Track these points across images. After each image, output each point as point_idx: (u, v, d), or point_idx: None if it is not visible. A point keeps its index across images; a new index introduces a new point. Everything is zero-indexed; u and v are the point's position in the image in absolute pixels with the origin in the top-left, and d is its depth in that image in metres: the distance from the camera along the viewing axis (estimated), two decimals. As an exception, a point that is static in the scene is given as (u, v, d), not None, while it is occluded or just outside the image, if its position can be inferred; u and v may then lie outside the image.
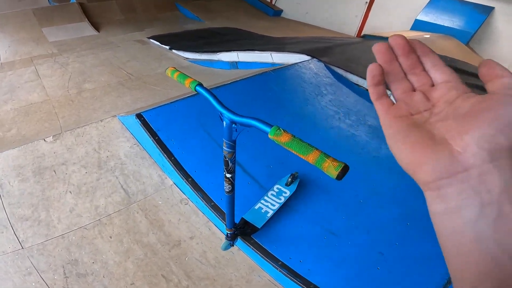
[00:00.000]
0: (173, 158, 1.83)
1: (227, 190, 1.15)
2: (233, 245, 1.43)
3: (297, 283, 1.31)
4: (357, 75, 3.11)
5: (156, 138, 1.90)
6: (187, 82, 1.01)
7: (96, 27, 5.74)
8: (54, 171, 1.93)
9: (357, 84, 3.10)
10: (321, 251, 1.44)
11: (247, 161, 1.88)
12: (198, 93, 2.42)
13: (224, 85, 2.38)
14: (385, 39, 4.17)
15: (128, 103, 3.10)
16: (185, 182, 1.74)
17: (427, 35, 6.23)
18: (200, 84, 0.98)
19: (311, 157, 0.64)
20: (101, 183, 1.87)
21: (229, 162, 1.03)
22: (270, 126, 0.74)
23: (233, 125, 0.88)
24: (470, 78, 3.69)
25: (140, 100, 3.16)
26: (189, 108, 2.18)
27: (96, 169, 1.94)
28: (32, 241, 1.60)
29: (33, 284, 1.43)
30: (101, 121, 2.30)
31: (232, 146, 0.97)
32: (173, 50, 4.90)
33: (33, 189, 1.82)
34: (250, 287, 1.48)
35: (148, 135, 1.91)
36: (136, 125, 2.02)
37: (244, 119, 0.83)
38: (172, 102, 2.19)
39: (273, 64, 3.60)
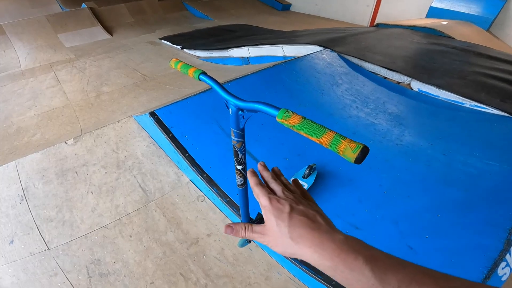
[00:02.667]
0: (187, 154, 1.78)
1: (239, 183, 1.08)
2: (250, 242, 1.37)
3: (318, 280, 1.23)
4: (373, 63, 2.94)
5: (170, 135, 1.86)
6: (191, 71, 0.94)
7: (109, 31, 5.82)
8: (76, 173, 1.93)
9: (374, 72, 2.94)
10: None
11: (263, 154, 1.81)
12: (210, 89, 2.37)
13: (236, 79, 2.30)
14: (399, 27, 4.00)
15: (144, 103, 3.09)
16: (200, 178, 1.68)
17: (444, 22, 5.94)
18: (204, 73, 0.91)
19: (325, 140, 0.55)
20: (120, 183, 1.86)
21: (239, 152, 0.96)
22: (278, 108, 0.67)
23: (240, 111, 0.81)
24: (494, 63, 3.44)
25: (155, 100, 3.15)
26: (202, 104, 2.13)
27: (115, 169, 1.93)
28: (57, 242, 1.60)
29: (59, 285, 1.42)
30: (118, 122, 2.29)
31: (241, 135, 0.90)
32: (185, 50, 4.88)
33: (57, 190, 1.83)
34: (270, 285, 1.41)
35: (162, 133, 1.87)
36: (150, 123, 1.99)
37: (250, 104, 0.76)
38: (184, 99, 2.14)
39: (284, 57, 3.49)
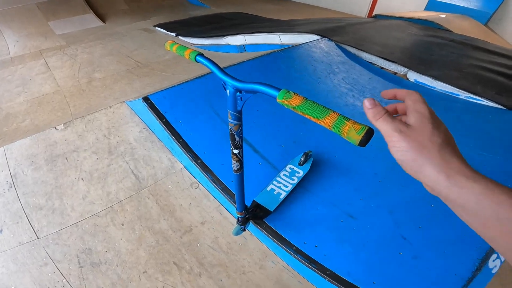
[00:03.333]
0: (181, 140, 1.74)
1: (235, 169, 1.04)
2: (244, 230, 1.34)
3: (312, 269, 1.21)
4: (371, 53, 2.90)
5: (164, 120, 1.81)
6: (187, 53, 0.90)
7: (102, 18, 5.64)
8: (66, 159, 1.88)
9: (371, 63, 2.90)
10: (338, 235, 1.33)
11: (258, 140, 1.77)
12: (205, 75, 2.30)
13: (232, 65, 2.24)
14: (398, 19, 3.95)
15: (137, 89, 3.02)
16: (195, 164, 1.64)
17: (443, 15, 5.92)
18: (201, 54, 0.87)
19: (328, 121, 0.52)
20: (112, 169, 1.81)
21: (236, 136, 0.93)
22: (278, 89, 0.63)
23: (238, 93, 0.77)
24: (491, 56, 3.42)
25: (149, 86, 3.07)
26: (197, 89, 2.07)
27: (106, 154, 1.88)
28: (47, 231, 1.56)
29: (49, 275, 1.38)
30: (110, 107, 2.22)
31: (238, 117, 0.86)
32: (180, 37, 4.76)
33: (47, 177, 1.78)
34: (264, 273, 1.40)
35: (156, 118, 1.82)
36: (143, 108, 1.93)
37: (249, 84, 0.73)
38: (179, 84, 2.08)
39: (281, 45, 3.42)
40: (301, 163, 1.56)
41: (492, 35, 6.36)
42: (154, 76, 3.42)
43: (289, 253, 1.29)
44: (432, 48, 3.39)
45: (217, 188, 1.56)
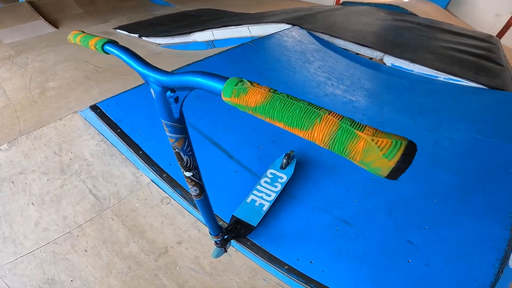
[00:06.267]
0: (141, 152, 1.48)
1: (194, 194, 0.80)
2: (226, 251, 1.13)
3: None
4: (344, 39, 2.76)
5: (118, 130, 1.54)
6: (92, 43, 0.63)
7: (54, 24, 5.16)
8: (13, 182, 1.58)
9: (345, 49, 2.76)
10: (334, 247, 1.14)
11: (232, 144, 1.55)
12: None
13: (196, 62, 2.00)
14: (365, 4, 3.85)
15: (95, 97, 2.69)
16: (160, 179, 1.40)
17: (406, 0, 6.01)
18: (112, 42, 0.61)
19: (319, 131, 0.29)
20: (66, 190, 1.53)
21: (182, 154, 0.66)
22: (224, 79, 0.38)
23: (168, 92, 0.51)
24: (459, 38, 3.42)
25: (109, 92, 2.75)
26: None
27: (58, 174, 1.59)
28: (1, 261, 1.31)
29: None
30: (60, 119, 1.91)
31: (179, 128, 0.59)
32: (143, 38, 4.42)
33: (-9, 205, 1.48)
34: (256, 293, 1.20)
35: (108, 128, 1.55)
36: (95, 118, 1.65)
37: (178, 76, 0.47)
38: (134, 88, 1.81)
39: (251, 37, 3.21)
40: (283, 166, 1.36)
41: (452, 18, 6.55)
42: (116, 81, 3.10)
43: (282, 272, 1.10)
44: (402, 32, 3.32)
45: (190, 204, 1.33)
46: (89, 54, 3.91)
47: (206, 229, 1.40)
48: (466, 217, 1.18)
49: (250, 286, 1.24)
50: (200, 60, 2.10)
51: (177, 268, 1.27)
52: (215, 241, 1.07)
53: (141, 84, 1.82)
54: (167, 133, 0.61)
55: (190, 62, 3.37)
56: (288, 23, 2.92)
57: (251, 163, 1.47)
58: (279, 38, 2.59)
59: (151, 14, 5.85)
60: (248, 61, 2.20)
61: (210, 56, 2.15)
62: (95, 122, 1.75)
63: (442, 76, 2.37)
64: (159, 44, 4.32)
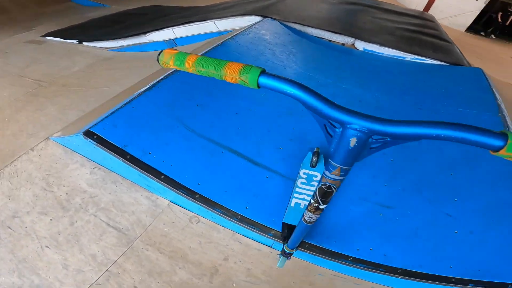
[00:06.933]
0: (163, 176, 1.37)
1: (310, 220, 0.79)
2: (290, 257, 1.14)
3: (381, 273, 1.10)
4: (316, 27, 2.88)
5: (128, 157, 1.38)
6: (231, 71, 0.52)
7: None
8: (9, 227, 1.34)
9: (318, 37, 2.89)
10: (386, 230, 1.22)
11: (252, 150, 1.52)
12: (156, 83, 1.88)
13: (169, 76, 1.85)
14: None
15: (55, 116, 2.35)
16: (192, 200, 1.33)
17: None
18: (265, 73, 0.54)
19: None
20: (80, 227, 1.34)
21: (334, 189, 0.64)
22: (503, 135, 0.38)
23: (370, 138, 0.47)
24: (405, 18, 3.82)
25: (70, 109, 2.44)
26: (154, 104, 1.66)
27: (61, 212, 1.38)
28: None
29: None
30: (32, 150, 1.66)
31: (348, 170, 0.56)
32: (84, 43, 3.97)
33: (-3, 253, 1.24)
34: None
35: (114, 156, 1.38)
36: (88, 146, 1.46)
37: (416, 127, 0.44)
38: (127, 105, 1.62)
39: (219, 32, 3.14)
40: (314, 164, 1.39)
41: None
42: (71, 94, 2.74)
43: (347, 264, 1.15)
44: (359, 16, 3.59)
45: (231, 220, 1.30)
46: (20, 67, 3.38)
47: (247, 240, 1.37)
48: (486, 182, 1.39)
49: (308, 283, 1.27)
50: (173, 74, 1.98)
51: (234, 284, 1.23)
52: (285, 252, 1.06)
53: (136, 98, 1.65)
54: (330, 175, 0.57)
55: (153, 66, 3.17)
56: (258, 15, 2.92)
57: (278, 166, 1.48)
58: (257, 32, 2.58)
59: (84, 17, 5.27)
60: (234, 59, 2.15)
61: None
62: (82, 148, 1.55)
63: (409, 57, 2.65)
64: (107, 48, 3.94)
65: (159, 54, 0.59)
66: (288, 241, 1.01)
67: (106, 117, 1.53)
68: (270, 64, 2.21)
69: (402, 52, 2.65)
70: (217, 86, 1.86)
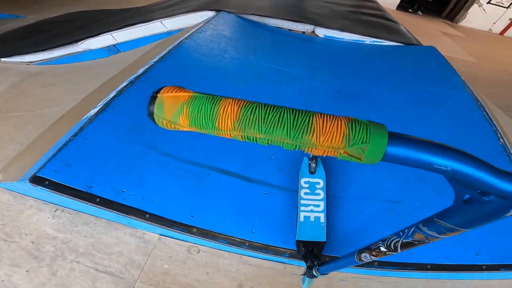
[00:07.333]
0: (148, 215, 1.17)
1: (365, 260, 0.71)
2: (315, 276, 1.06)
3: (412, 271, 1.09)
4: (274, 17, 2.81)
5: (98, 200, 1.15)
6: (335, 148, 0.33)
7: None
8: None
9: (278, 27, 2.82)
10: (400, 228, 1.21)
11: (243, 165, 1.39)
12: (116, 95, 1.62)
13: (124, 91, 1.61)
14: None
15: (-15, 154, 1.94)
16: (188, 235, 1.17)
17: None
18: (394, 136, 0.38)
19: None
20: (65, 276, 1.10)
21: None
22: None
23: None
24: (349, 1, 3.95)
25: (4, 141, 2.03)
26: (114, 128, 1.40)
27: (35, 262, 1.12)
28: None
29: None
30: (-31, 199, 1.33)
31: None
32: (2, 59, 3.39)
33: None
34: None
35: (81, 202, 1.15)
36: (41, 191, 1.19)
37: None
38: (80, 132, 1.35)
39: (169, 32, 2.89)
40: (313, 170, 1.32)
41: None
42: (0, 122, 2.29)
43: (373, 269, 1.11)
44: (310, 1, 3.59)
45: (239, 248, 1.17)
46: None
47: (255, 261, 1.26)
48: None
49: (333, 290, 1.21)
50: (128, 88, 1.74)
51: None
52: (312, 274, 0.98)
53: (85, 126, 1.38)
54: (427, 231, 0.46)
55: (92, 77, 2.83)
56: (210, 10, 2.74)
57: (275, 178, 1.38)
58: (215, 29, 2.41)
59: (-4, 29, 4.50)
60: (196, 63, 1.97)
61: (149, 70, 1.81)
62: (33, 191, 1.28)
63: (367, 40, 2.73)
64: (31, 62, 3.42)
65: (150, 103, 0.35)
66: (322, 268, 0.92)
67: (54, 155, 1.25)
68: (237, 63, 2.08)
69: (361, 36, 2.72)
70: (192, 89, 1.68)
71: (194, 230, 1.17)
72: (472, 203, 0.36)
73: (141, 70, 1.85)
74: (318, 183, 1.29)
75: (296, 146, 0.33)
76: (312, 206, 1.22)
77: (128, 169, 1.30)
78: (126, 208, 1.16)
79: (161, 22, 2.84)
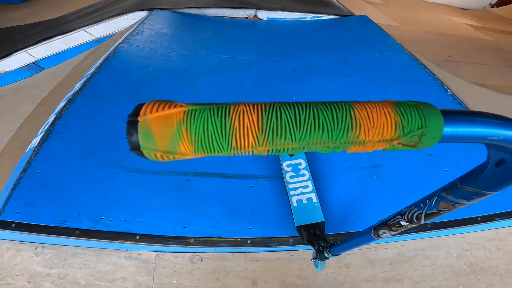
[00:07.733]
0: (138, 236, 1.07)
1: (382, 236, 0.71)
2: (327, 258, 1.07)
3: (414, 234, 1.19)
4: (213, 7, 2.73)
5: (78, 232, 1.02)
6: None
7: None
8: None
9: (219, 16, 2.76)
10: (387, 192, 1.28)
11: (219, 164, 1.35)
12: (58, 117, 1.43)
13: (66, 110, 1.45)
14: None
15: None
16: (185, 246, 1.11)
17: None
18: (449, 114, 0.32)
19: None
20: None
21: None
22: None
23: None
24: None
25: None
26: (69, 154, 1.26)
27: None
28: None
29: None
30: None
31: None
32: None
33: None
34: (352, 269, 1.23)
35: (59, 237, 1.01)
36: (13, 234, 1.02)
37: None
38: (28, 167, 1.17)
39: (97, 40, 2.65)
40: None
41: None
42: None
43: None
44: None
45: (242, 247, 1.15)
46: None
47: (262, 255, 1.24)
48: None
49: (345, 266, 1.25)
50: (80, 90, 1.56)
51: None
52: (324, 256, 0.98)
53: (31, 160, 1.21)
54: (452, 199, 0.45)
55: (19, 103, 2.50)
56: (142, 10, 2.56)
57: (256, 169, 1.36)
58: (151, 29, 2.25)
59: None
60: (140, 68, 1.83)
61: (89, 81, 1.64)
62: (8, 235, 1.10)
63: (308, 16, 2.82)
64: None
65: (130, 132, 0.25)
66: (334, 249, 0.92)
67: (8, 197, 1.09)
68: (187, 60, 1.99)
69: (301, 14, 2.79)
70: (146, 97, 1.56)
71: (192, 240, 1.11)
72: (504, 165, 0.35)
73: (78, 85, 1.67)
74: (300, 164, 1.31)
75: (338, 147, 0.27)
76: (301, 189, 1.23)
77: (98, 195, 1.17)
78: (112, 234, 1.05)
79: (85, 31, 2.58)
